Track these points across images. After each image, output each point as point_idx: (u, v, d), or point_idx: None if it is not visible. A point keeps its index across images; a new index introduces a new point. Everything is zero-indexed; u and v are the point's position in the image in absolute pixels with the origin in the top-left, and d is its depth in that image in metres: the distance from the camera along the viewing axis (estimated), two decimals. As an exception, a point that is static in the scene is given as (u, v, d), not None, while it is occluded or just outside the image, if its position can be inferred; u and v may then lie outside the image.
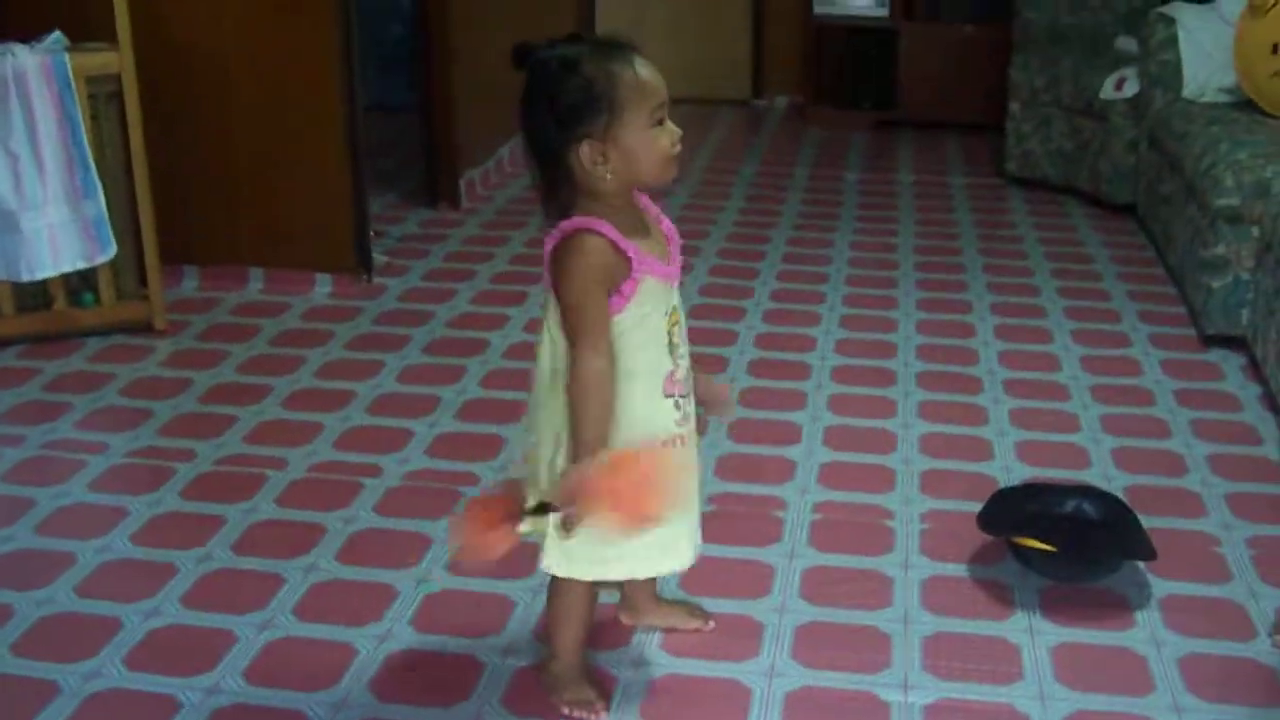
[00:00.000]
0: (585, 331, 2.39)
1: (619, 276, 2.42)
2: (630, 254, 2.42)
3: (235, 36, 4.90)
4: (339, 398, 4.15)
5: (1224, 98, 5.57)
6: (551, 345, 2.50)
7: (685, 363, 2.56)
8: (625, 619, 2.98)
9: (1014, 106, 6.60)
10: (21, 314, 4.52)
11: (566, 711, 2.71)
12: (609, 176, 2.39)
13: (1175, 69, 5.73)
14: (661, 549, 2.58)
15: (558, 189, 2.44)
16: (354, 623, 3.00)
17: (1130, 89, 6.00)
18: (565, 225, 2.42)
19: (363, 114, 5.10)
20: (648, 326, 2.47)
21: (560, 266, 2.42)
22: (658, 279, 2.47)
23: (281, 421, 4.00)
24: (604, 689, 2.77)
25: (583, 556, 2.54)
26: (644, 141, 2.38)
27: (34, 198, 4.28)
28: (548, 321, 2.50)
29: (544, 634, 2.87)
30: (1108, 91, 6.11)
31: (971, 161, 7.23)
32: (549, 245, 2.46)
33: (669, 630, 2.97)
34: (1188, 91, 5.69)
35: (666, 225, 2.59)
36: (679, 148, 2.44)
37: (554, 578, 2.64)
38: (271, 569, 3.21)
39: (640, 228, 2.50)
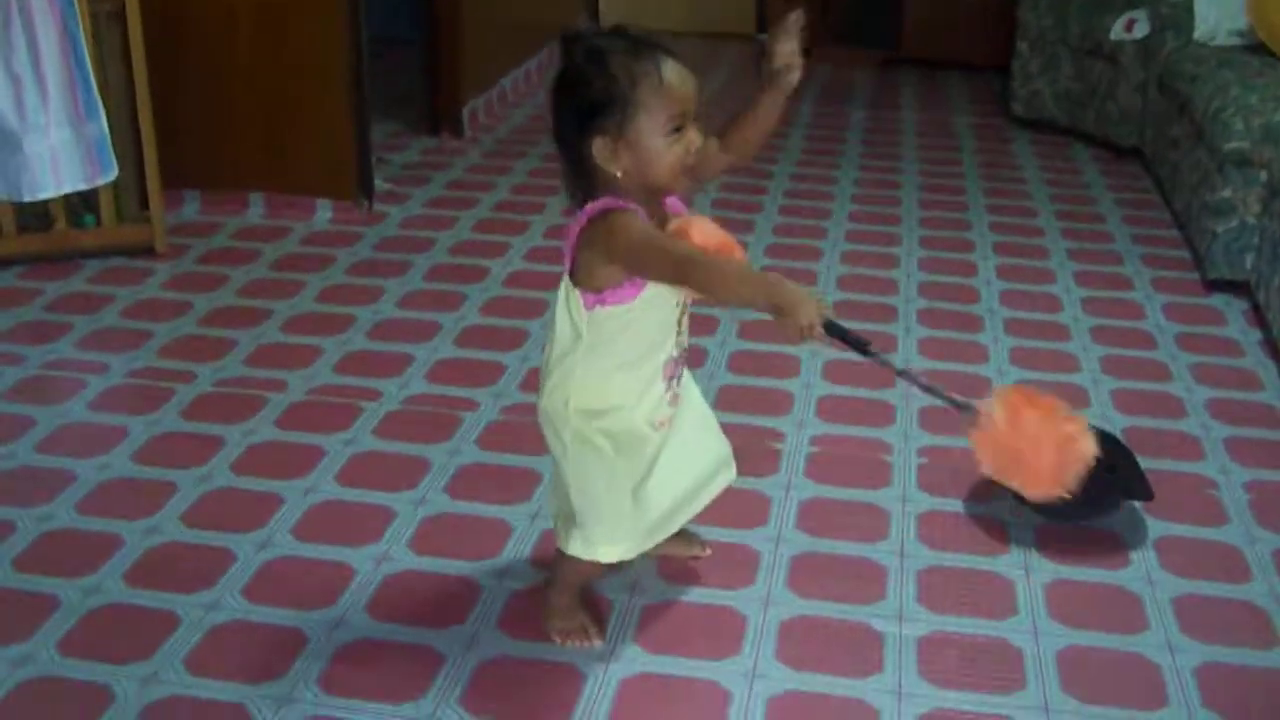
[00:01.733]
0: (661, 246, 2.36)
1: None
2: None
3: (240, -42, 4.88)
4: (339, 322, 4.15)
5: (1236, 40, 5.54)
6: (569, 319, 2.49)
7: (685, 344, 2.59)
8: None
9: (1021, 46, 6.57)
10: (22, 234, 4.51)
11: (559, 640, 2.72)
12: (619, 174, 2.38)
13: (1187, 10, 5.70)
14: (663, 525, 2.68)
15: (578, 177, 2.44)
16: (352, 543, 3.02)
17: (1140, 30, 5.97)
18: (592, 207, 2.40)
19: (367, 42, 5.07)
20: (655, 315, 2.48)
21: (602, 240, 2.38)
22: None
23: (281, 345, 4.00)
24: (599, 615, 2.79)
25: (601, 539, 2.61)
26: (656, 147, 2.36)
27: (36, 118, 4.25)
28: (566, 304, 2.49)
29: (547, 560, 2.89)
30: (1117, 33, 6.07)
31: (977, 101, 7.20)
32: (574, 229, 2.43)
33: (665, 557, 2.98)
34: (1199, 34, 5.66)
35: None
36: (693, 158, 2.39)
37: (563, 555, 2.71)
38: (271, 489, 3.22)
39: (660, 225, 2.47)
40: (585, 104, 2.36)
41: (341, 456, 3.38)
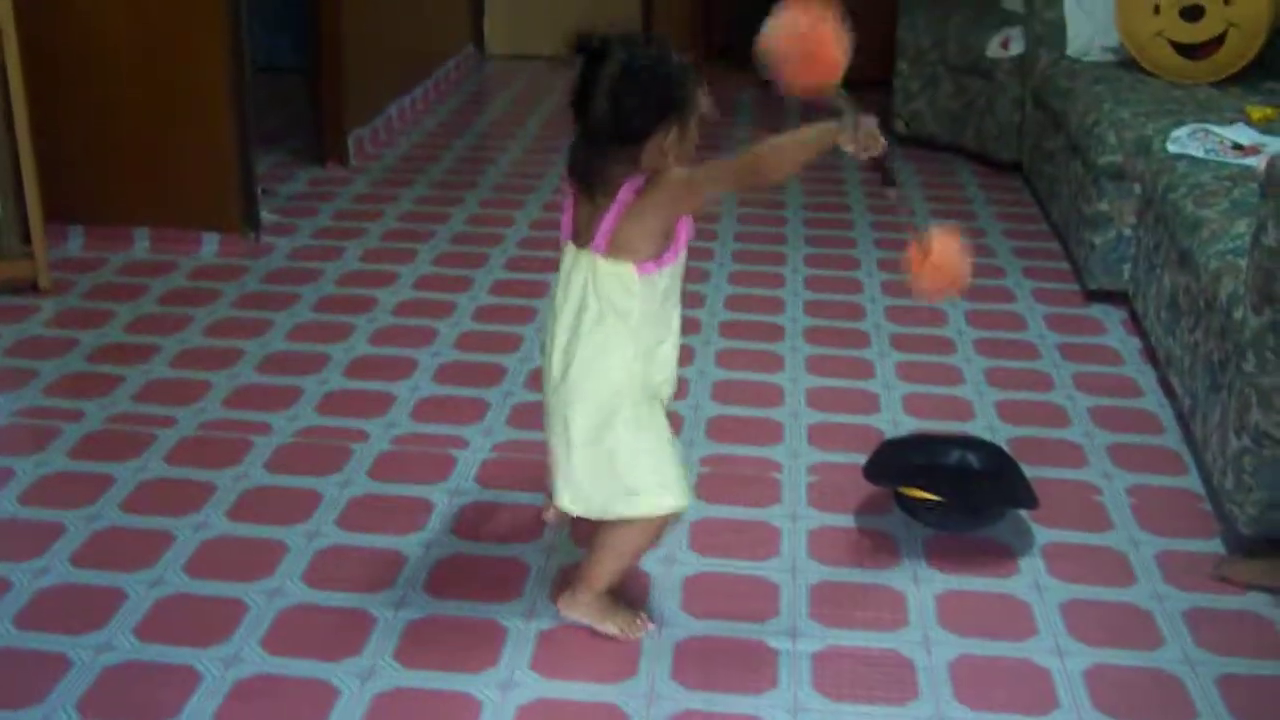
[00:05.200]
0: (720, 165, 2.67)
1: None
2: None
3: (120, -8, 4.84)
4: (228, 356, 4.13)
5: (1108, 56, 5.65)
6: (595, 291, 2.66)
7: None
8: (550, 519, 3.20)
9: (901, 65, 6.66)
10: (-99, 274, 4.45)
11: (627, 634, 2.85)
12: (666, 162, 2.60)
13: (1060, 28, 5.80)
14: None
15: (613, 165, 2.60)
16: (244, 579, 3.00)
17: (1015, 48, 6.07)
18: (635, 180, 2.60)
19: (251, 73, 5.05)
20: (678, 277, 2.76)
21: (660, 187, 2.60)
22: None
23: (170, 380, 3.97)
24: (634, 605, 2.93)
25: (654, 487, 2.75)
26: (693, 142, 2.64)
27: (-88, 156, 4.21)
28: (594, 286, 2.65)
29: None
30: (993, 50, 6.17)
31: (860, 120, 7.25)
32: (619, 204, 2.60)
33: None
34: (1072, 50, 5.76)
35: None
36: None
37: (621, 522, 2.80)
38: (161, 527, 3.20)
39: None
40: (672, 97, 2.60)
41: (232, 491, 3.36)
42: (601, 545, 2.83)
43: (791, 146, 2.70)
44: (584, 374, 2.68)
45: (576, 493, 2.76)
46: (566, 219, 2.73)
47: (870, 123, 2.69)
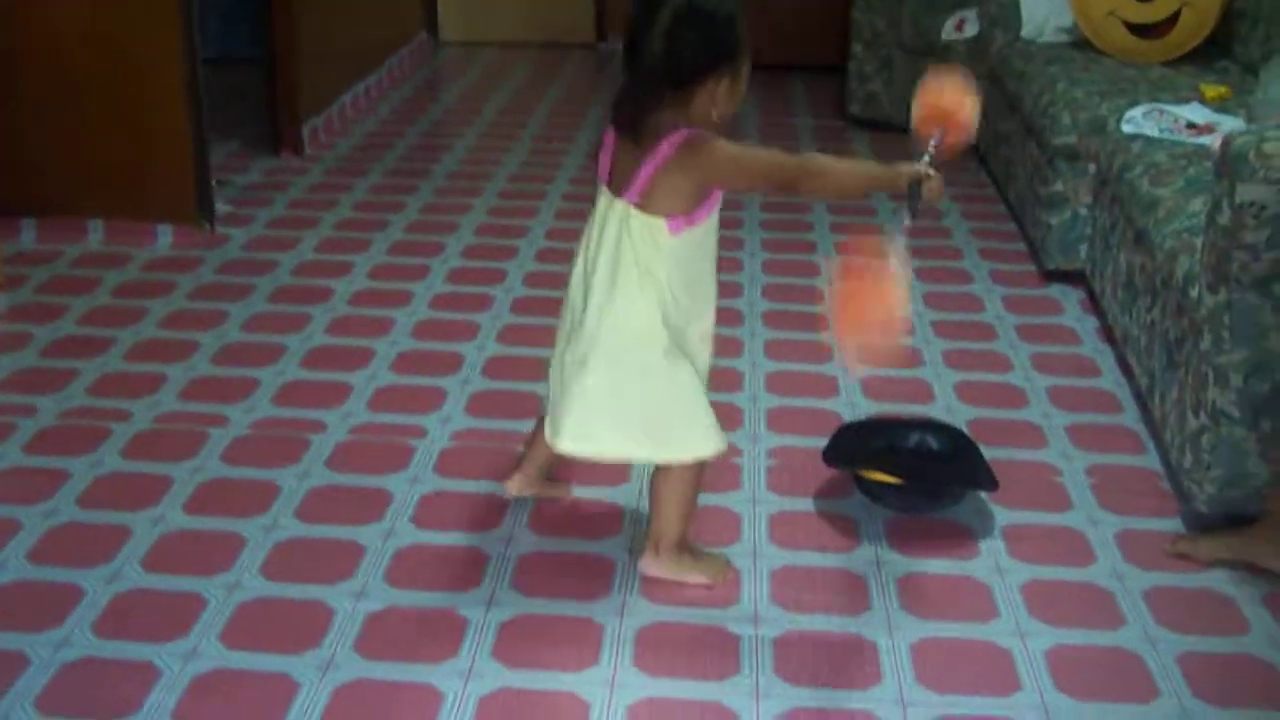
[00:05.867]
0: (768, 158, 2.70)
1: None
2: None
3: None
4: (183, 348, 4.09)
5: (1062, 37, 5.66)
6: (629, 240, 2.68)
7: None
8: (513, 489, 3.24)
9: (856, 48, 6.66)
10: None
11: (718, 581, 2.97)
12: (715, 111, 2.62)
13: (1014, 9, 5.81)
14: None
15: (661, 111, 2.61)
16: (202, 573, 2.98)
17: (970, 30, 6.08)
18: (677, 135, 2.60)
19: (204, 63, 5.00)
20: (712, 235, 2.77)
21: (700, 155, 2.61)
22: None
23: (125, 373, 3.94)
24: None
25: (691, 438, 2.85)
26: (742, 93, 2.66)
27: None
28: (629, 238, 2.68)
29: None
30: (948, 32, 6.18)
31: (816, 103, 7.27)
32: (656, 160, 2.61)
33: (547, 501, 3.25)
34: (1026, 31, 5.77)
35: None
36: None
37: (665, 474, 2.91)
38: (118, 522, 3.17)
39: None
40: (727, 43, 2.60)
41: (189, 484, 3.34)
42: (657, 501, 2.92)
43: (847, 174, 2.77)
44: (614, 319, 2.74)
45: (580, 431, 2.81)
46: (605, 160, 2.74)
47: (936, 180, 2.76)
